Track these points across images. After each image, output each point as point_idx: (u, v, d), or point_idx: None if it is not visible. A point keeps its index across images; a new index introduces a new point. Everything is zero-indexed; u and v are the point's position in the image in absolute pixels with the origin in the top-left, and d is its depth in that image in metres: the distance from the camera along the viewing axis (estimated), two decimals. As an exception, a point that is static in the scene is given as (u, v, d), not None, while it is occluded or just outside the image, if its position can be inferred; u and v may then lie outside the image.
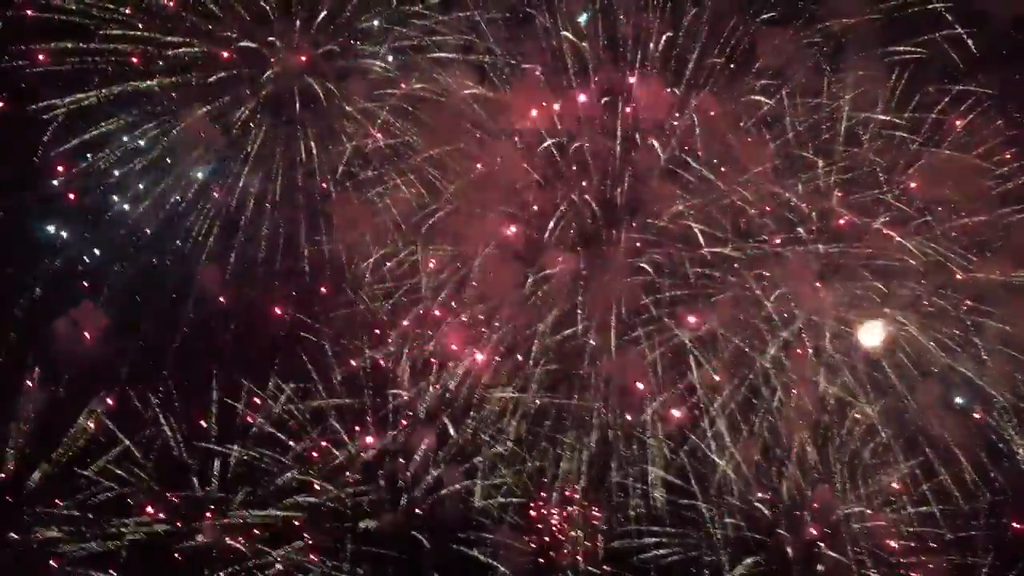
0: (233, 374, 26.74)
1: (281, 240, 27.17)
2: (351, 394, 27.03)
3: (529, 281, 26.87)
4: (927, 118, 26.31)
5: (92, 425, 26.03)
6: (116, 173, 26.70)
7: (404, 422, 27.03)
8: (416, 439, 26.86)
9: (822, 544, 26.50)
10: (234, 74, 26.86)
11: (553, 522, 26.99)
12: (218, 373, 26.64)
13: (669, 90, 26.85)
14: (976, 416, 26.37)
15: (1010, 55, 25.99)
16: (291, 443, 26.71)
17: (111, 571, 25.52)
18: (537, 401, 26.95)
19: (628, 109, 26.95)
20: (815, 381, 26.45)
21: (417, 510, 26.68)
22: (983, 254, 26.22)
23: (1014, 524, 26.36)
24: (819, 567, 26.44)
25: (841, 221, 26.61)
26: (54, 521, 25.54)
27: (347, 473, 26.76)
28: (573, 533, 26.89)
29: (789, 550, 26.44)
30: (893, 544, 26.38)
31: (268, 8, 26.72)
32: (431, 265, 26.98)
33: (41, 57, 25.85)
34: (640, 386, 26.77)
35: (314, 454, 26.87)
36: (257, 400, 26.78)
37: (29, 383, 25.85)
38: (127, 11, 26.24)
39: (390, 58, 27.07)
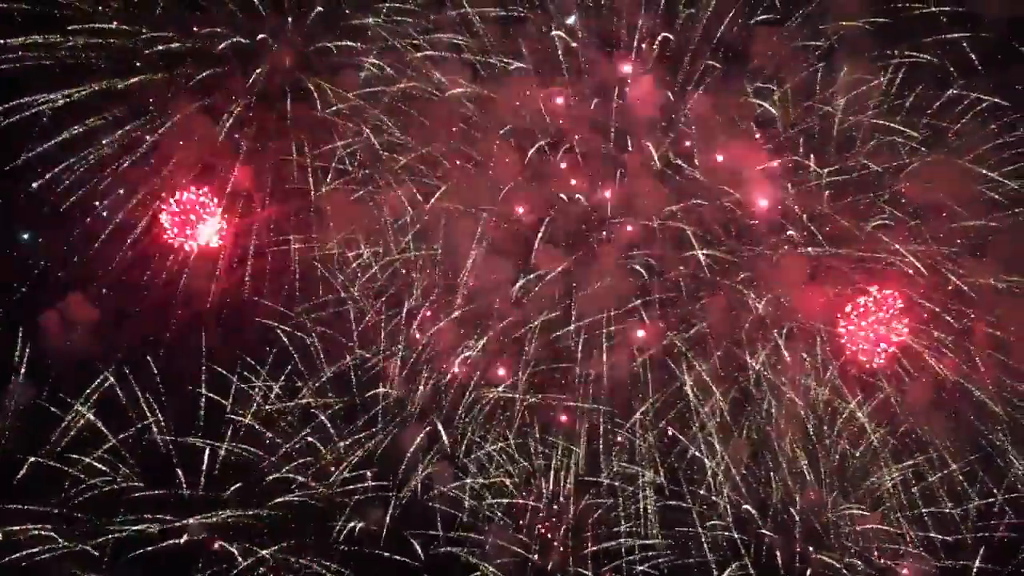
0: (221, 371, 26.61)
1: (270, 237, 27.12)
2: (340, 392, 26.94)
3: (520, 281, 26.84)
4: (921, 122, 26.29)
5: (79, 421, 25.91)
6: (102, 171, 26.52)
7: (394, 421, 26.97)
8: (406, 438, 26.76)
9: (811, 547, 26.49)
10: (225, 70, 26.68)
11: (543, 523, 26.91)
12: (206, 370, 26.52)
13: (662, 90, 26.79)
14: (967, 419, 26.37)
15: (1005, 58, 25.91)
16: (279, 441, 26.60)
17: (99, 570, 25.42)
18: (529, 398, 26.89)
19: (620, 108, 26.88)
20: (805, 384, 26.46)
21: (406, 510, 26.54)
22: (975, 258, 26.22)
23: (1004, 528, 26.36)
24: (808, 570, 26.43)
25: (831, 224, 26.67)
26: (39, 519, 25.40)
27: (336, 472, 26.62)
28: (562, 534, 26.81)
29: (778, 553, 26.42)
30: (883, 547, 26.38)
31: (259, 4, 26.57)
32: (422, 264, 26.93)
33: (22, 52, 25.65)
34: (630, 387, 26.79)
35: (303, 452, 26.76)
36: (246, 397, 26.68)
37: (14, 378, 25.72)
38: (113, 4, 26.05)
39: (383, 56, 26.88)
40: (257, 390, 26.74)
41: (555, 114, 27.03)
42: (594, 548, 26.68)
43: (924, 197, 26.26)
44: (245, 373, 26.75)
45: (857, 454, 26.54)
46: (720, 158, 26.71)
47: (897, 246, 26.06)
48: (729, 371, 26.99)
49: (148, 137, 26.28)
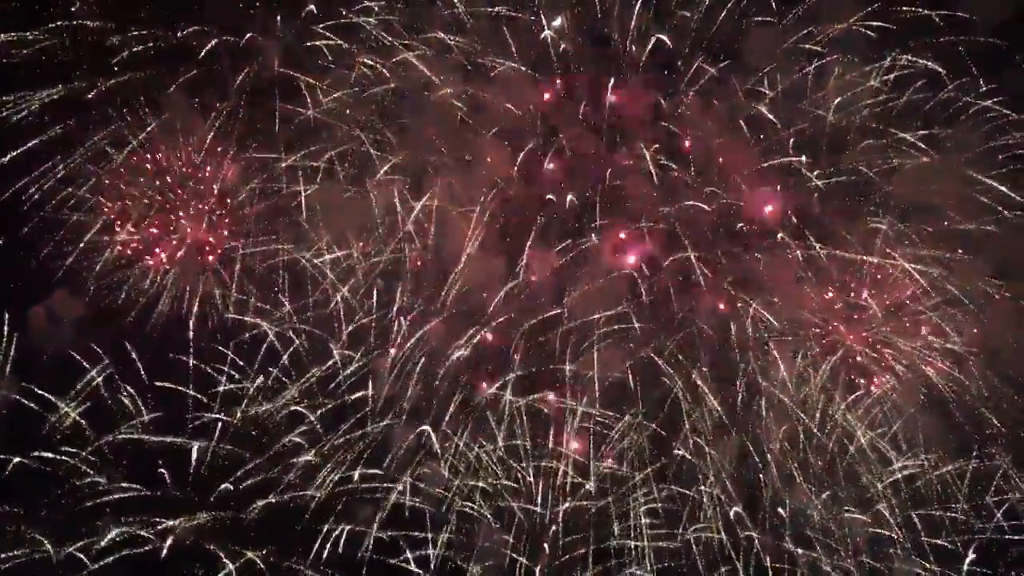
0: (209, 370, 26.45)
1: (259, 236, 26.96)
2: (329, 394, 26.78)
3: (512, 281, 26.75)
4: (913, 124, 26.31)
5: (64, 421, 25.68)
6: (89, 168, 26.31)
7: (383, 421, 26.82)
8: (395, 439, 26.61)
9: (800, 549, 26.44)
10: (213, 68, 26.48)
11: (533, 524, 26.78)
12: (193, 369, 26.36)
13: (653, 91, 26.74)
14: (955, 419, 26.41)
15: (998, 61, 25.96)
16: (265, 441, 26.43)
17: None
18: (520, 399, 26.80)
19: (611, 108, 26.84)
20: (797, 386, 26.46)
21: (395, 512, 26.38)
22: (967, 261, 26.27)
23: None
24: (797, 572, 26.38)
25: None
26: (23, 520, 25.15)
27: (322, 472, 26.45)
28: (552, 536, 26.69)
29: (767, 558, 26.37)
30: (873, 550, 26.38)
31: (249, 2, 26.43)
32: (412, 263, 26.81)
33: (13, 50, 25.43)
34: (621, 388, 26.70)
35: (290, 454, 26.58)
36: (233, 398, 26.52)
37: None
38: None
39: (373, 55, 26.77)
40: (244, 391, 26.53)
41: (546, 114, 26.94)
42: (584, 550, 26.52)
43: (915, 199, 26.26)
44: (233, 373, 26.56)
45: (848, 454, 26.45)
46: (712, 159, 26.62)
47: (895, 257, 26.05)
48: (720, 373, 26.91)
49: (133, 136, 26.15)
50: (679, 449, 26.55)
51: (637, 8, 26.52)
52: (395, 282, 26.89)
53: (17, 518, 25.28)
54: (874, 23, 26.10)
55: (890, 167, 26.32)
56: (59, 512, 25.49)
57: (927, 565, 25.99)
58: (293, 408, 26.76)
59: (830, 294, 26.97)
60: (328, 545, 25.96)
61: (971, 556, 25.93)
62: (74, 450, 25.72)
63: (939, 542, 26.09)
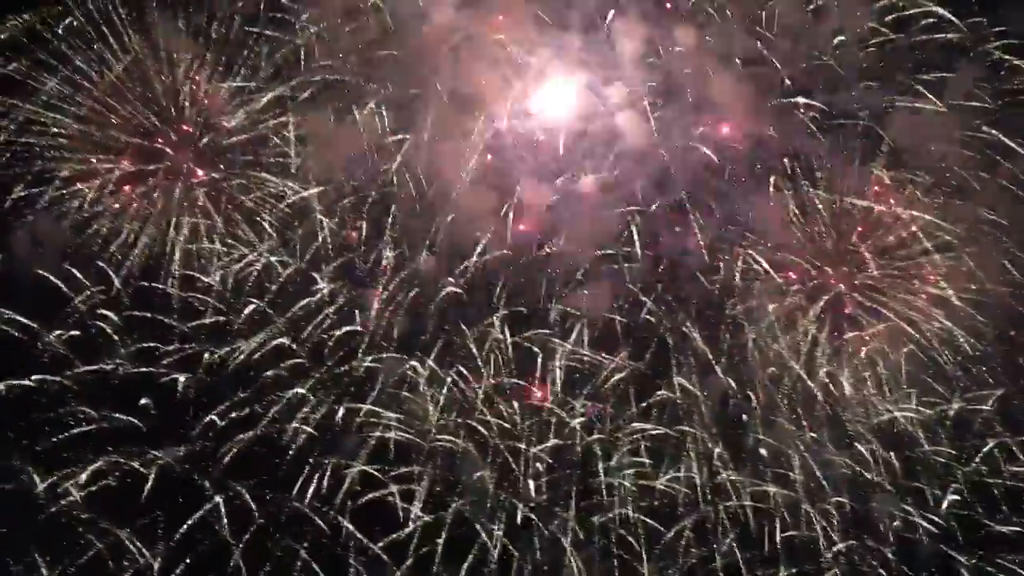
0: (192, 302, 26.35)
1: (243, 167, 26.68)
2: (315, 327, 26.65)
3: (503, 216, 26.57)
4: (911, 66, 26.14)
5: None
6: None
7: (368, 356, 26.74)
8: (382, 373, 26.59)
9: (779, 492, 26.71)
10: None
11: (517, 460, 26.89)
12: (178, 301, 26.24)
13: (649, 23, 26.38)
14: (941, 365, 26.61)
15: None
16: (250, 374, 26.32)
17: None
18: (507, 338, 26.71)
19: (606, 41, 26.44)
20: (784, 329, 26.51)
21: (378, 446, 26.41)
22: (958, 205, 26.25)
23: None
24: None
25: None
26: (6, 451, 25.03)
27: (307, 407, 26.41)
28: (535, 473, 26.83)
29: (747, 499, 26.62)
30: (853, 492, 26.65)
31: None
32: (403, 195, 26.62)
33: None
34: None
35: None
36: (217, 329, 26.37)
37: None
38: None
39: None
40: (229, 323, 26.39)
41: (540, 47, 26.52)
42: (567, 488, 26.66)
43: (911, 143, 26.12)
44: (218, 305, 26.33)
45: (832, 397, 26.62)
46: (707, 94, 26.34)
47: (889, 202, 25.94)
48: (707, 315, 26.93)
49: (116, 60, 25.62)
50: (663, 391, 26.61)
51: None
52: (384, 216, 26.69)
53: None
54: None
55: (888, 110, 26.17)
56: (42, 441, 25.30)
57: (905, 507, 26.35)
58: (278, 341, 26.57)
59: (820, 238, 26.89)
60: (314, 479, 25.98)
61: (949, 499, 26.32)
62: (58, 379, 25.49)
63: (918, 484, 26.44)
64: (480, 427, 26.44)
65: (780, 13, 26.06)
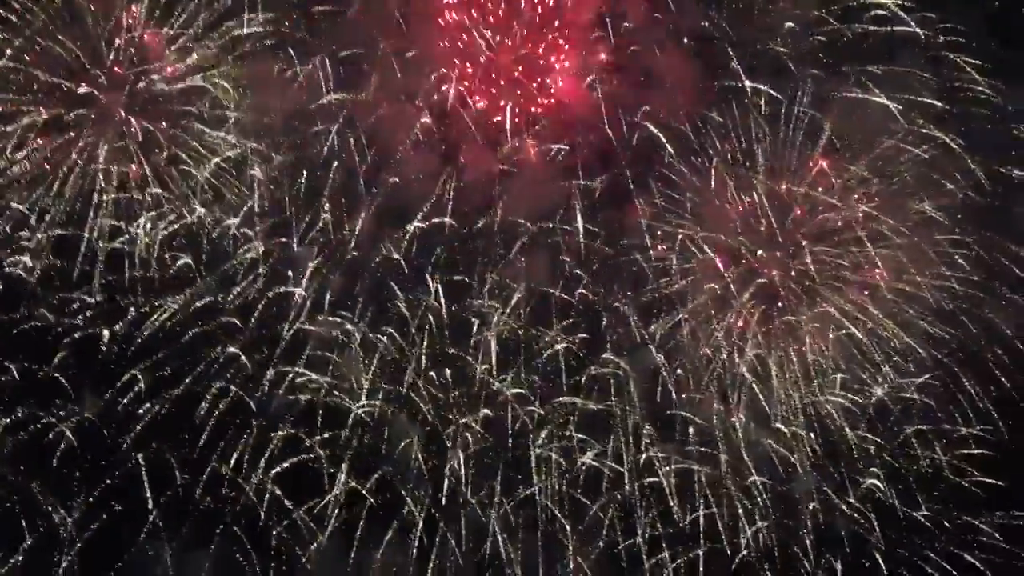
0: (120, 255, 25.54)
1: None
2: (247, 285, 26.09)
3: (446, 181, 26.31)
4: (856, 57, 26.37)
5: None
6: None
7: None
8: (314, 336, 26.17)
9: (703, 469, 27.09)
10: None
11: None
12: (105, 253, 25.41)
13: None
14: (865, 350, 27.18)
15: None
16: (178, 330, 25.71)
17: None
18: (443, 306, 26.59)
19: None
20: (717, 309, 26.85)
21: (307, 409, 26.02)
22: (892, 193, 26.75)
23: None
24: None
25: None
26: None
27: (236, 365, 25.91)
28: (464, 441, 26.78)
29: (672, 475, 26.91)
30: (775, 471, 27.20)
31: None
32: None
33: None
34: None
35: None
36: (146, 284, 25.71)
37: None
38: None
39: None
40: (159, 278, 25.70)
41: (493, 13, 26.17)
42: (496, 457, 26.68)
43: (850, 132, 26.48)
44: (147, 259, 25.61)
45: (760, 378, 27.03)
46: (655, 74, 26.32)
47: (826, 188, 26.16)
48: (642, 293, 27.11)
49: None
50: (596, 367, 26.73)
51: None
52: (324, 174, 26.17)
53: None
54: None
55: (832, 98, 26.43)
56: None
57: (824, 487, 26.95)
58: (207, 299, 25.96)
59: (757, 222, 27.16)
60: (239, 442, 25.51)
61: (867, 482, 27.01)
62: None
63: (838, 468, 27.06)
64: (411, 394, 26.27)
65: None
